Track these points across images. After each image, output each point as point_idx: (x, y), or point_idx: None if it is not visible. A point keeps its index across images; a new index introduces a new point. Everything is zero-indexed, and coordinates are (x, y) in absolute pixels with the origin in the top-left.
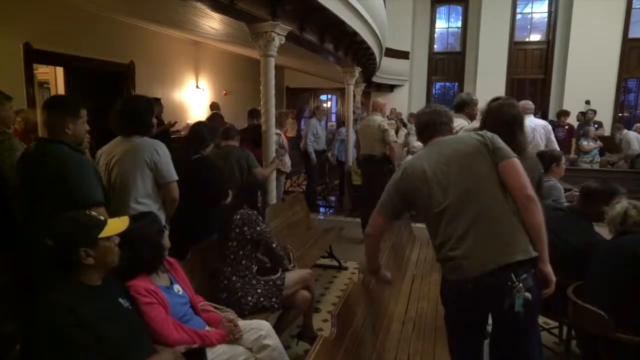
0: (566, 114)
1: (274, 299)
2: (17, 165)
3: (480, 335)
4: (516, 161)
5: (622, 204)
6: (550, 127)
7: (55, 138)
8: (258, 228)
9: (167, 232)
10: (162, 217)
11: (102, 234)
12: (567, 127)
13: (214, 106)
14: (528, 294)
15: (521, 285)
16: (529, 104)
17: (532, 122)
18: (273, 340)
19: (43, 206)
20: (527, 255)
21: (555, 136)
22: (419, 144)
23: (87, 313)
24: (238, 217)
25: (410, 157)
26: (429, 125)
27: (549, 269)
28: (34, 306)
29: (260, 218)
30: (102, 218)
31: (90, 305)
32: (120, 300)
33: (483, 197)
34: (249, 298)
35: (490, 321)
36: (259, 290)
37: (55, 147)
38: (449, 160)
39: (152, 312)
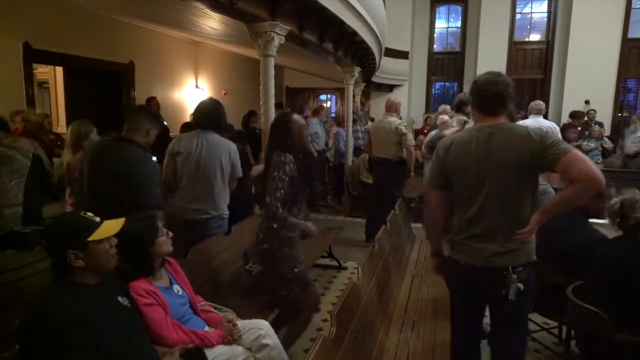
0: (582, 115)
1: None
2: (89, 159)
3: (479, 320)
4: (573, 154)
5: (618, 198)
6: (558, 129)
7: (131, 138)
8: (275, 173)
9: (163, 239)
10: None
11: (93, 237)
12: (579, 128)
13: None
14: (520, 285)
15: (515, 276)
16: (538, 104)
17: (540, 123)
18: (272, 339)
19: (105, 201)
20: (524, 260)
21: (568, 137)
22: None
23: (85, 313)
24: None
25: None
26: (498, 100)
27: (538, 217)
28: (31, 305)
29: (291, 165)
30: (97, 220)
31: (89, 304)
32: (120, 299)
33: (509, 211)
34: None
35: (487, 321)
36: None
37: (129, 147)
38: (496, 163)
39: (151, 313)
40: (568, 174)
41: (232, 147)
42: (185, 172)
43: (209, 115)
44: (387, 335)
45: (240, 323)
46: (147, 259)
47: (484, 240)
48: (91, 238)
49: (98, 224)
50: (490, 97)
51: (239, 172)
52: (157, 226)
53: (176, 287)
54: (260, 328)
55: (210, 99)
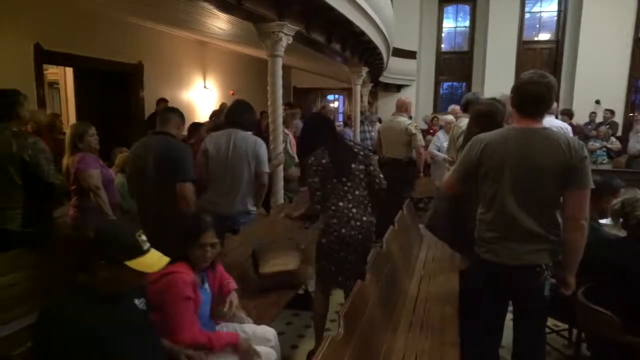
0: (570, 112)
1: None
2: (133, 150)
3: (503, 322)
4: (587, 193)
5: (619, 198)
6: (569, 128)
7: (166, 131)
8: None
9: (200, 252)
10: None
11: (131, 264)
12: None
13: (223, 107)
14: (553, 280)
15: (548, 272)
16: None
17: (552, 123)
18: (277, 347)
19: (148, 183)
20: (554, 259)
21: None
22: (440, 154)
23: (95, 324)
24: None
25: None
26: (537, 102)
27: (572, 279)
28: (42, 312)
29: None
30: (144, 247)
31: (102, 313)
32: (136, 301)
33: (540, 212)
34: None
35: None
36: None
37: (164, 138)
38: (535, 168)
39: (184, 308)
40: (567, 205)
41: (258, 141)
42: (214, 168)
43: (234, 113)
44: (395, 336)
45: (249, 329)
46: (182, 251)
47: (519, 241)
48: (129, 263)
49: (143, 252)
50: (529, 98)
51: (264, 167)
52: (197, 233)
53: (206, 285)
54: (269, 340)
55: (241, 99)
